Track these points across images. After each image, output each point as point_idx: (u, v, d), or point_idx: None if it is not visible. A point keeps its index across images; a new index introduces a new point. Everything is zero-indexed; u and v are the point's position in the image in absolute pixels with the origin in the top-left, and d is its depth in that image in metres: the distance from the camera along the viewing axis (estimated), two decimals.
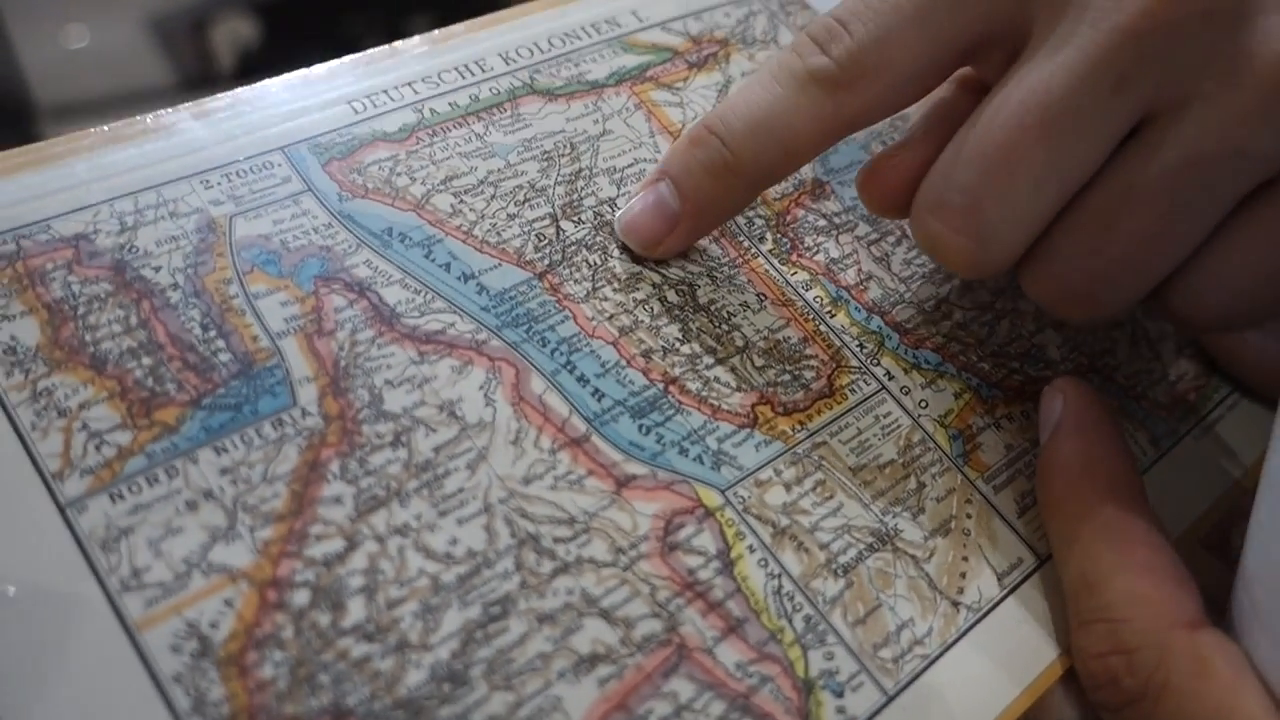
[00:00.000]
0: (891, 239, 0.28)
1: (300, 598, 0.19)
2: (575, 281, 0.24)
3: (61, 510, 0.18)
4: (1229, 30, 0.21)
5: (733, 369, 0.24)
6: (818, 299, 0.26)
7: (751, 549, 0.22)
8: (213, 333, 0.21)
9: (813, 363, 0.25)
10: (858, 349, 0.26)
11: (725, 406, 0.24)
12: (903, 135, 0.25)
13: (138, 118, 0.24)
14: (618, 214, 0.26)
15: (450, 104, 0.27)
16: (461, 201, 0.25)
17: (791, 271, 0.27)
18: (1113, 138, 0.22)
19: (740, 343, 0.25)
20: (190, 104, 0.25)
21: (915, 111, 0.25)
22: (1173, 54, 0.21)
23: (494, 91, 0.27)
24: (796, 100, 0.23)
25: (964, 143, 0.22)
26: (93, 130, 0.23)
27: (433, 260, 0.24)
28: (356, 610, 0.19)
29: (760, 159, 0.24)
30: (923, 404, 0.25)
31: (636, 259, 0.25)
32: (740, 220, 0.27)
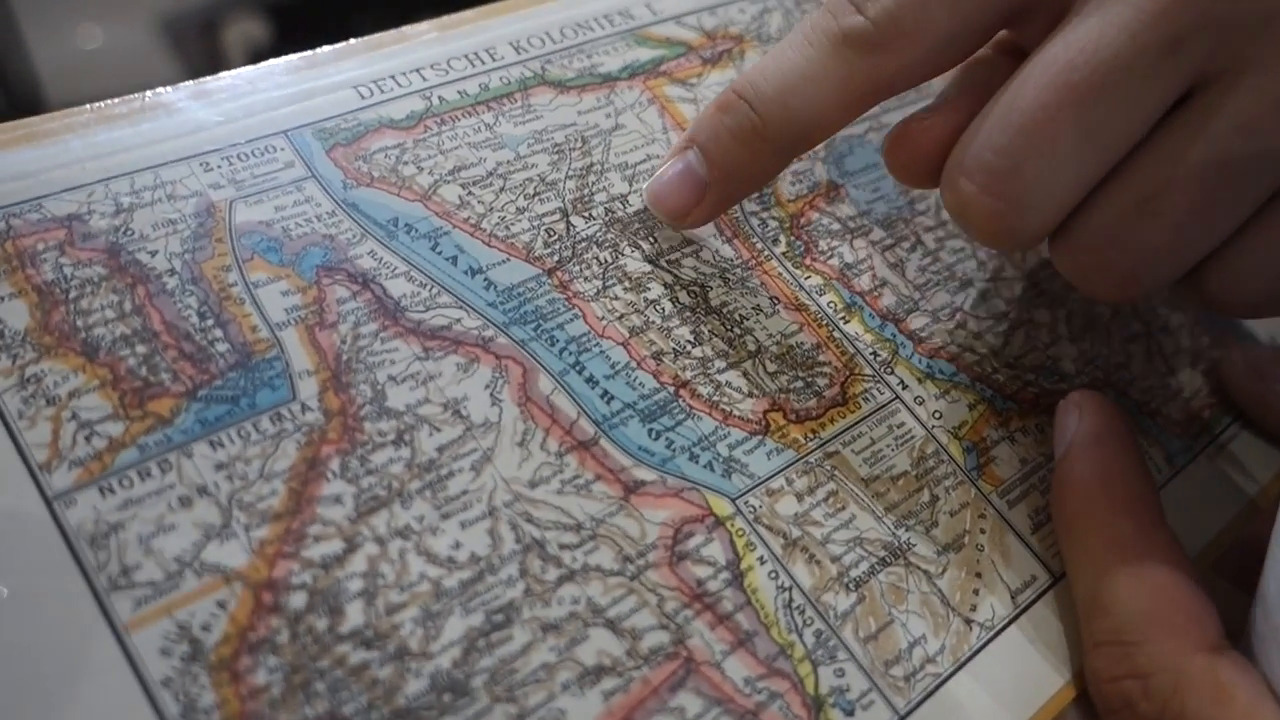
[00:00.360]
0: (906, 245, 0.28)
1: (297, 601, 0.18)
2: (585, 279, 0.24)
3: (48, 503, 0.17)
4: None
5: (745, 374, 0.24)
6: (831, 304, 0.26)
7: (762, 560, 0.21)
8: (210, 321, 0.20)
9: (826, 370, 0.25)
10: (871, 357, 0.25)
11: (737, 412, 0.23)
12: (935, 98, 0.23)
13: (134, 95, 0.23)
14: (646, 184, 0.25)
15: (459, 92, 0.26)
16: (470, 193, 0.24)
17: (805, 275, 0.26)
18: (1161, 104, 0.21)
19: (752, 347, 0.24)
20: (190, 83, 0.24)
21: (947, 75, 0.24)
22: (1229, 17, 0.20)
23: (504, 81, 0.27)
24: (829, 63, 0.22)
25: (1004, 103, 0.21)
26: (89, 107, 0.22)
27: (439, 253, 0.23)
28: (355, 615, 0.18)
29: (791, 125, 0.23)
30: (936, 415, 0.25)
31: (648, 258, 0.25)
32: (754, 222, 0.27)
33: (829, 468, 0.23)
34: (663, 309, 0.24)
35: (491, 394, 0.21)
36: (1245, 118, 0.20)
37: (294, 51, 0.25)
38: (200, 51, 1.29)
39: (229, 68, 0.24)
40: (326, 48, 0.26)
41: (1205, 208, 0.21)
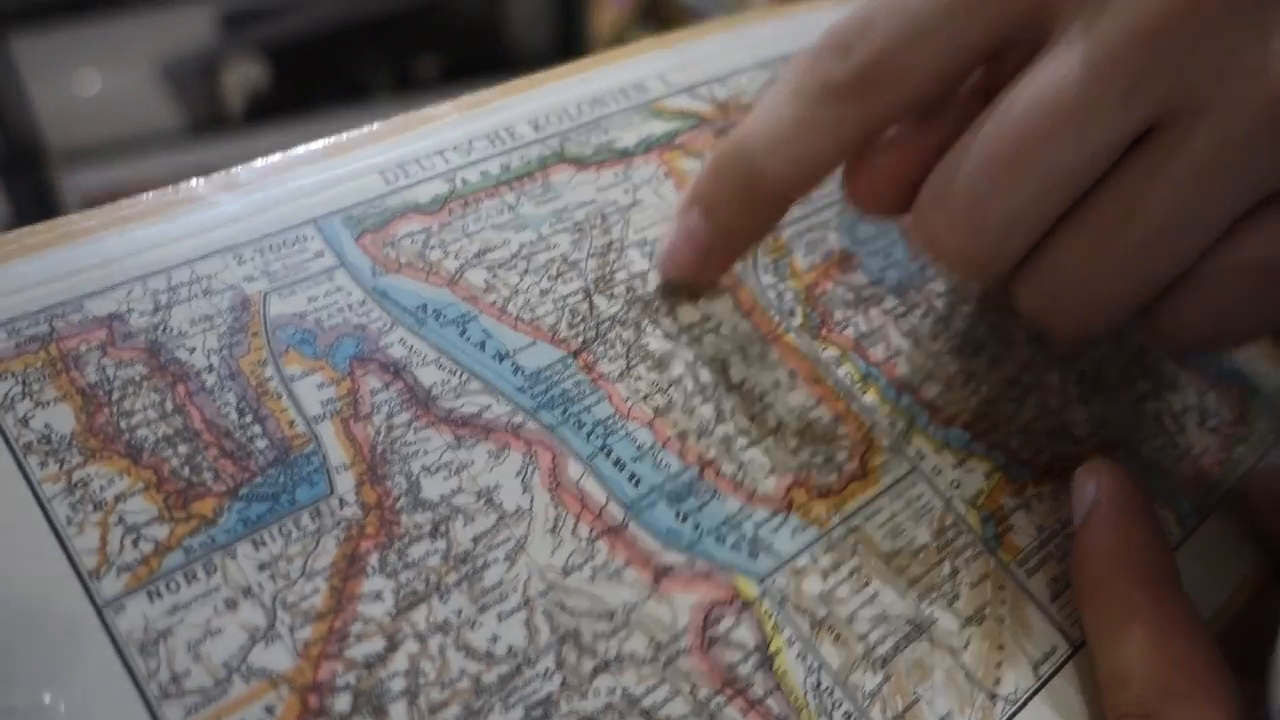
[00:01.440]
0: (919, 311, 0.28)
1: (342, 703, 0.18)
2: (610, 360, 0.24)
3: (99, 611, 0.18)
4: (1244, 43, 0.21)
5: (767, 451, 0.24)
6: (849, 376, 0.26)
7: (790, 641, 0.22)
8: (249, 418, 0.21)
9: (845, 443, 0.25)
10: (889, 428, 0.26)
11: (761, 490, 0.23)
12: (897, 131, 0.24)
13: (167, 189, 0.24)
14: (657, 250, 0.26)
15: (482, 173, 0.26)
16: (495, 276, 0.25)
17: (822, 347, 0.27)
18: (1121, 143, 0.22)
19: (773, 423, 0.25)
20: (220, 174, 0.24)
21: None
22: (1187, 62, 0.21)
23: (524, 160, 0.27)
24: (819, 113, 0.23)
25: (973, 140, 0.22)
26: (124, 203, 0.23)
27: (467, 339, 0.23)
28: (398, 715, 0.18)
29: (787, 177, 0.24)
30: (954, 484, 0.25)
31: (669, 335, 0.25)
32: (771, 294, 0.27)
33: (852, 543, 0.23)
34: (685, 387, 0.25)
35: (522, 481, 0.22)
36: (1201, 161, 0.21)
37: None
38: (199, 94, 1.30)
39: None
40: (351, 133, 0.26)
41: (1159, 246, 0.22)
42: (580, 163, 0.28)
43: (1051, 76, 0.21)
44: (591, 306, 0.25)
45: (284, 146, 0.25)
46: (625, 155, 0.28)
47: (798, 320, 0.27)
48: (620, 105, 0.29)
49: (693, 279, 0.26)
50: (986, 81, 0.24)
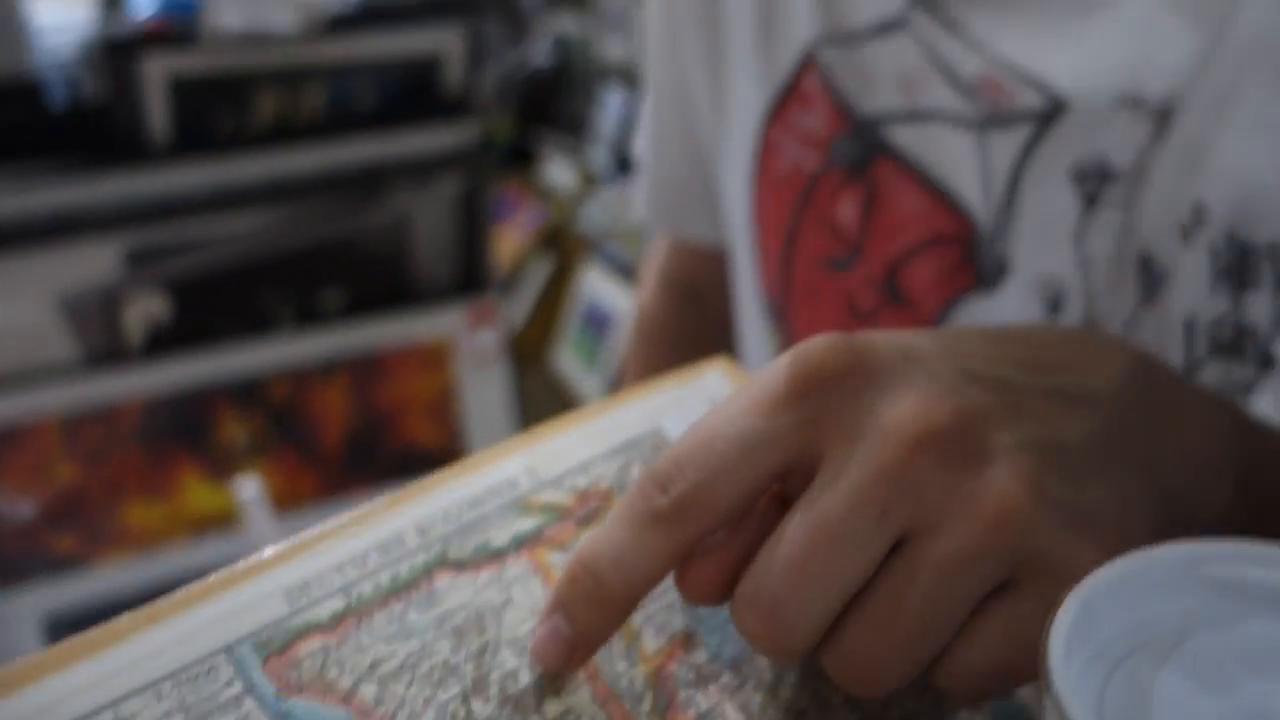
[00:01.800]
0: (751, 684, 0.33)
1: None
2: None
3: None
4: (962, 475, 0.29)
5: None
6: None
7: None
8: None
9: None
10: None
11: None
12: (712, 539, 0.31)
13: (90, 632, 0.27)
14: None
15: (374, 585, 0.31)
16: (385, 689, 0.29)
17: None
18: (881, 551, 0.29)
19: None
20: (144, 608, 0.28)
21: None
22: (921, 491, 0.28)
23: (411, 568, 0.32)
24: (646, 537, 0.30)
25: (771, 553, 0.29)
26: (59, 647, 0.26)
27: None
28: None
29: (625, 587, 0.30)
30: None
31: None
32: (624, 682, 0.32)
33: None
34: None
35: None
36: (939, 568, 0.28)
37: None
38: (99, 328, 1.31)
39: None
40: (262, 552, 0.30)
41: (919, 631, 0.29)
42: (460, 566, 0.32)
43: (821, 507, 0.29)
44: (469, 711, 0.29)
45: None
46: (499, 555, 0.33)
47: (646, 705, 0.32)
48: (495, 503, 0.34)
49: (560, 670, 0.31)
50: (782, 489, 0.32)
